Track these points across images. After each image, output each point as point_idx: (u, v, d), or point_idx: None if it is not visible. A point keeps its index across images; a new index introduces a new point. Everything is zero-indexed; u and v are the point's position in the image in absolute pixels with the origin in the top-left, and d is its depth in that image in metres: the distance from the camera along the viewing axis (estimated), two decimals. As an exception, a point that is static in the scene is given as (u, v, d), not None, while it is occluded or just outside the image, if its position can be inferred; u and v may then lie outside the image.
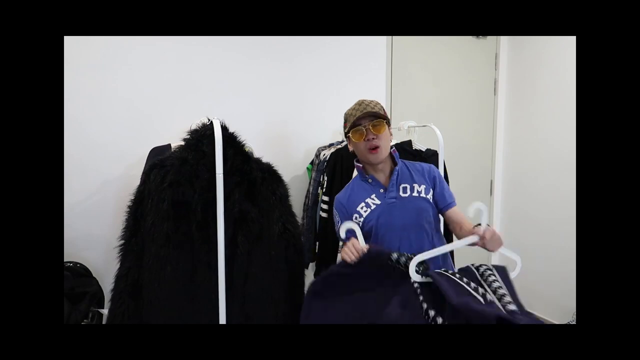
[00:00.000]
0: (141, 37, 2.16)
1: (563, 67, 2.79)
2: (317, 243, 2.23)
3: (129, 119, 2.17)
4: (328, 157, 2.20)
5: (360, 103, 1.46)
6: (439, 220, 1.54)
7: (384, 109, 1.48)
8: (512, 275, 1.18)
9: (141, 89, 2.18)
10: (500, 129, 3.26)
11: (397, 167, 1.47)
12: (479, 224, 1.23)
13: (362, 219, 1.44)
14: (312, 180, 2.34)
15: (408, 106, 2.88)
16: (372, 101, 1.47)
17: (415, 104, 2.92)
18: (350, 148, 1.51)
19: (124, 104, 2.15)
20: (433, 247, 1.33)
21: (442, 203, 1.47)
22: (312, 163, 2.46)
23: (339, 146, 2.24)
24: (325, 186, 2.17)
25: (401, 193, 1.45)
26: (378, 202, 1.45)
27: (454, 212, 1.46)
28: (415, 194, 1.45)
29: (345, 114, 1.50)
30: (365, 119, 1.42)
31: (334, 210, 1.51)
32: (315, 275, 2.22)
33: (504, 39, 3.20)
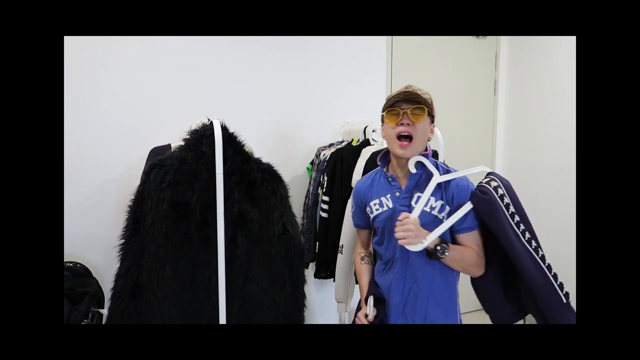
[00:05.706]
0: (140, 37, 2.16)
1: (563, 67, 2.79)
2: (317, 243, 2.22)
3: (129, 119, 2.17)
4: (328, 157, 2.20)
5: (407, 86, 1.33)
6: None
7: (431, 100, 1.35)
8: None
9: (141, 89, 2.18)
10: (500, 129, 3.26)
11: (418, 172, 1.35)
12: None
13: (372, 216, 1.42)
14: (312, 180, 2.34)
15: (408, 106, 2.88)
16: (421, 89, 1.33)
17: (415, 104, 2.92)
18: (382, 134, 1.40)
19: (123, 104, 2.15)
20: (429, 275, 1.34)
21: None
22: (312, 163, 2.46)
23: (339, 146, 2.24)
24: (325, 186, 2.16)
25: (414, 202, 1.33)
26: (391, 205, 1.37)
27: (462, 238, 1.33)
28: (427, 208, 1.31)
29: (387, 97, 1.38)
30: (406, 103, 1.29)
31: (352, 196, 1.55)
32: (315, 275, 2.22)
33: (504, 39, 3.20)
